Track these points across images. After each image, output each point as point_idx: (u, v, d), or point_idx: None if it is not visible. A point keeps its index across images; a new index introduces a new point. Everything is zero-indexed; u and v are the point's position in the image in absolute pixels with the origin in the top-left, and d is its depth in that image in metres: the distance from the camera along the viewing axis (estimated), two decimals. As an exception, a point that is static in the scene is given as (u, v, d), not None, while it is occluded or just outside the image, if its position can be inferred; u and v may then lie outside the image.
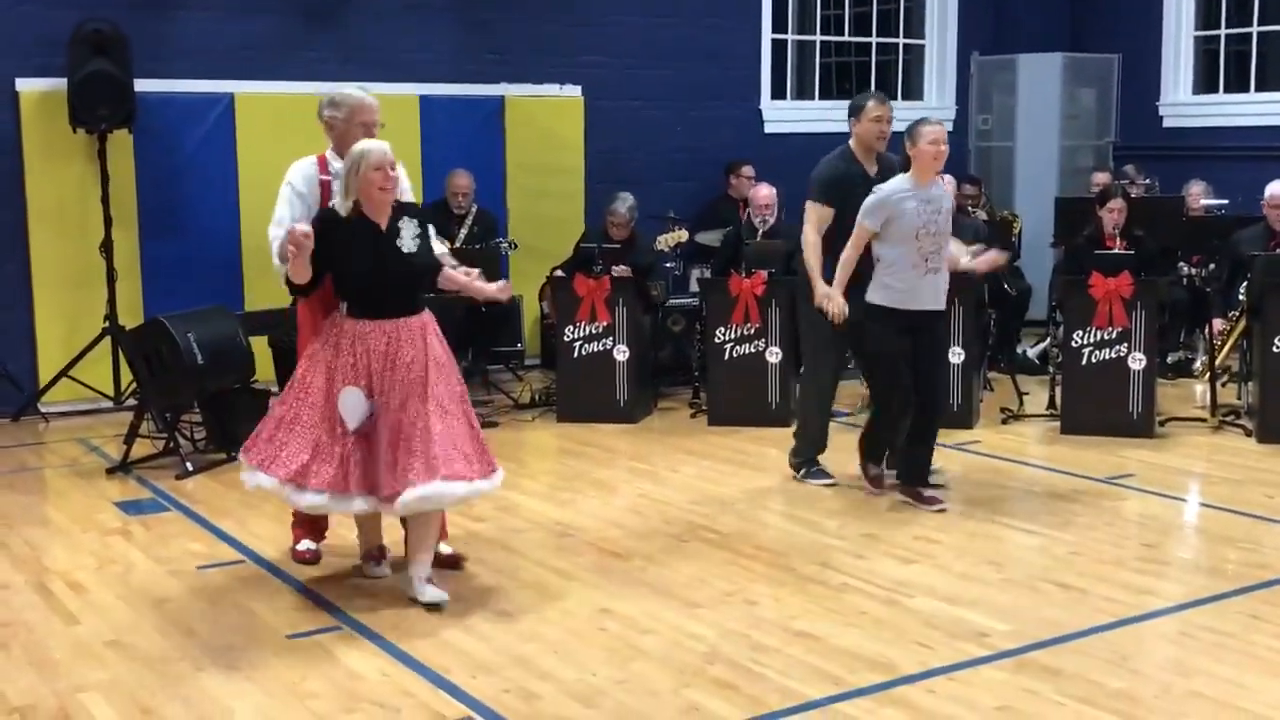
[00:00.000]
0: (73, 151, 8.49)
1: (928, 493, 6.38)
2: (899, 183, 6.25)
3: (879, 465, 6.60)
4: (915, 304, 6.23)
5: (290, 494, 4.96)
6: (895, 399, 6.35)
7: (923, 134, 6.19)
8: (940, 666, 4.44)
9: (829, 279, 6.45)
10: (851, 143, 6.67)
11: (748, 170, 10.20)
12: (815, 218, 6.58)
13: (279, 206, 5.30)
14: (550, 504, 6.55)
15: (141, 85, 8.34)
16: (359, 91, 5.42)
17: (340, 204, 4.99)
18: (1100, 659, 4.49)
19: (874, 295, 6.28)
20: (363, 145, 5.00)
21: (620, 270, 8.39)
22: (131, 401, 8.15)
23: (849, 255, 6.34)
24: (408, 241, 5.01)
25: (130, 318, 8.43)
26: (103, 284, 8.43)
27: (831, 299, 6.37)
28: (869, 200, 6.26)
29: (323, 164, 5.36)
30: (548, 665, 4.48)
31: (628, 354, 8.22)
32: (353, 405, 4.90)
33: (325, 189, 5.28)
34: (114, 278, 8.44)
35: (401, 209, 5.09)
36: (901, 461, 6.50)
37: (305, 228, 4.86)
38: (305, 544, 5.60)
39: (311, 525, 5.59)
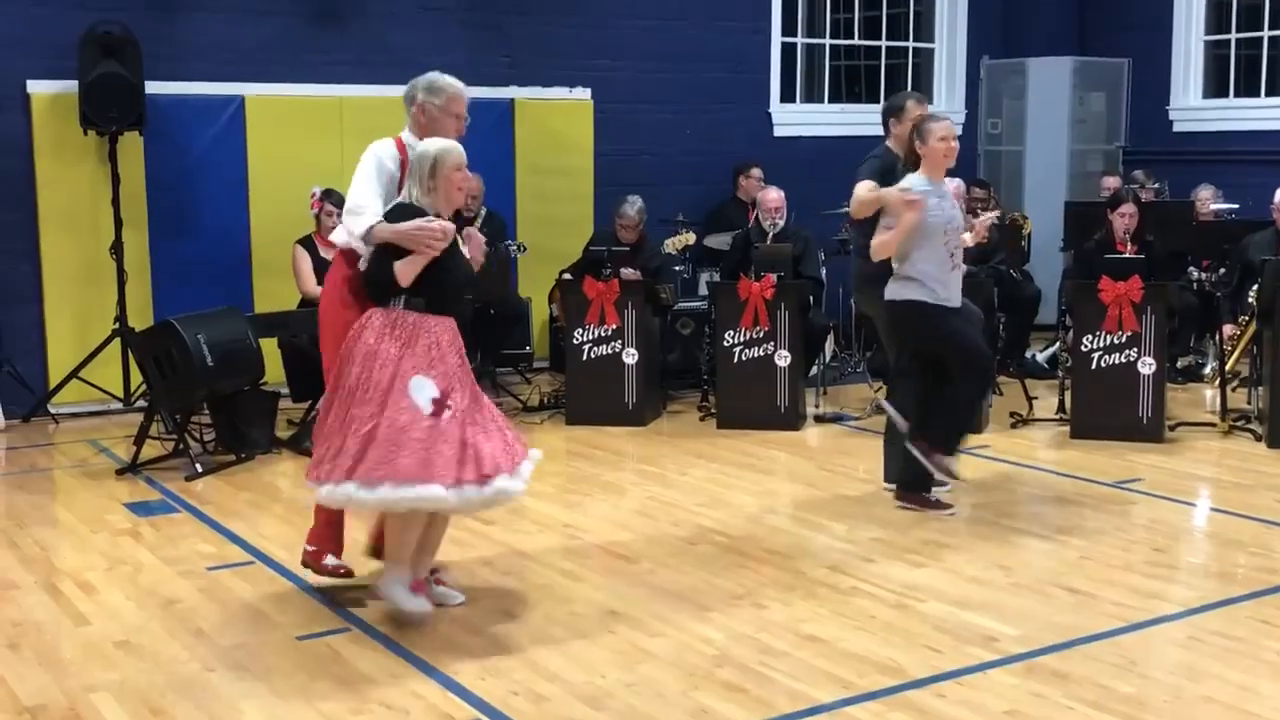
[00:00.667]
0: (83, 153, 8.51)
1: (933, 497, 6.36)
2: (919, 181, 6.12)
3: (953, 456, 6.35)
4: (952, 301, 6.19)
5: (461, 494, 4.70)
6: (982, 362, 6.29)
7: (933, 131, 6.13)
8: (949, 670, 4.44)
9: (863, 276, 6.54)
10: (890, 143, 6.62)
11: (756, 173, 10.21)
12: (867, 186, 6.26)
13: (364, 183, 5.03)
14: (559, 506, 6.55)
15: (152, 87, 8.38)
16: (454, 79, 5.28)
17: (418, 200, 4.88)
18: (1109, 664, 4.49)
19: (914, 294, 6.13)
20: (442, 144, 4.94)
21: (629, 273, 8.40)
22: (141, 403, 8.17)
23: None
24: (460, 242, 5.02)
25: (140, 319, 8.45)
26: (113, 285, 8.45)
27: (904, 193, 6.05)
28: None
29: (401, 147, 5.17)
30: (556, 667, 4.49)
31: (637, 357, 8.22)
32: (420, 389, 4.75)
33: (403, 171, 5.10)
34: (124, 279, 8.47)
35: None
36: (906, 467, 6.42)
37: (451, 226, 4.81)
38: (332, 559, 5.30)
39: (335, 537, 5.30)
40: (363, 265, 4.98)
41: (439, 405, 4.74)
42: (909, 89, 12.01)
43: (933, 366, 6.26)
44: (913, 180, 6.16)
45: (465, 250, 5.03)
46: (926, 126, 6.16)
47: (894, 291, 6.21)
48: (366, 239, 4.88)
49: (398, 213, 4.90)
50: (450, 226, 4.85)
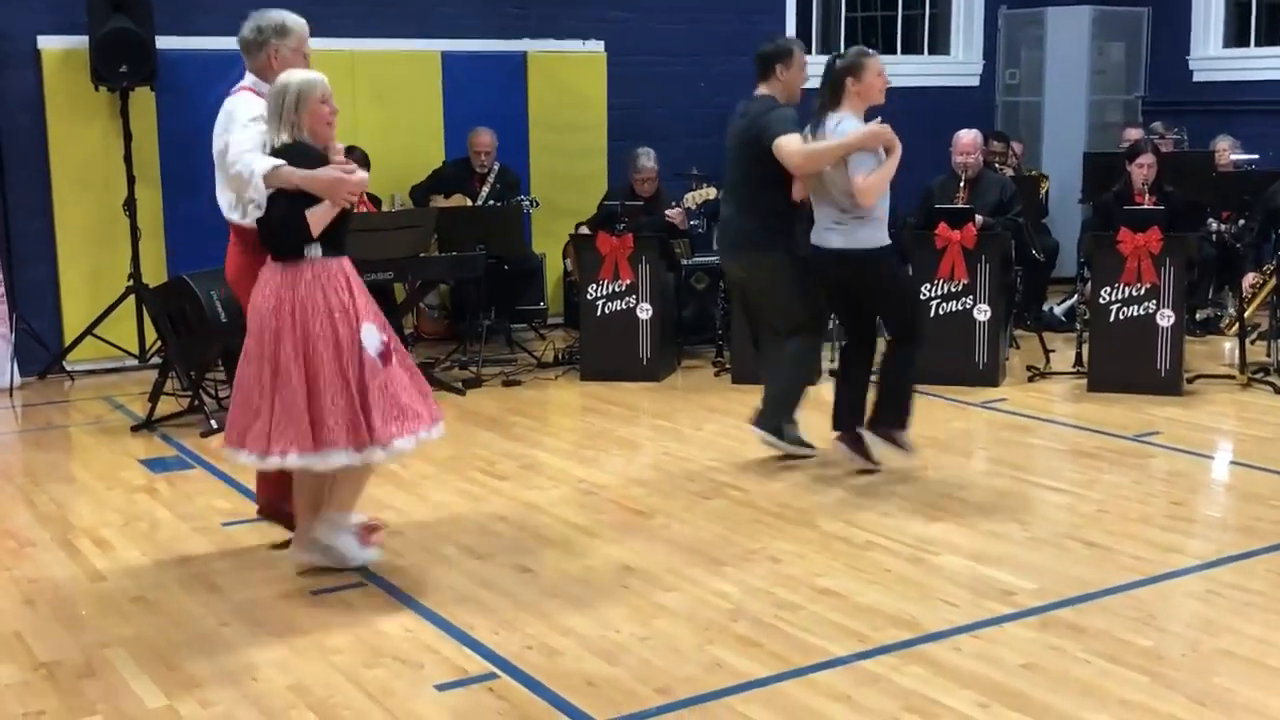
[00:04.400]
0: (95, 110, 8.48)
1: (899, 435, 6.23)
2: (854, 121, 5.83)
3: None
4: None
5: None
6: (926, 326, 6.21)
7: (869, 66, 5.83)
8: (965, 624, 4.42)
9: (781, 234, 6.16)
10: (770, 90, 6.15)
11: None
12: (797, 140, 5.93)
13: (253, 139, 4.70)
14: (573, 461, 6.54)
15: (163, 42, 8.32)
16: (297, 17, 5.09)
17: (275, 138, 4.66)
18: (1127, 617, 4.47)
19: (878, 237, 5.92)
20: (305, 76, 4.70)
21: (674, 213, 8.42)
22: (156, 360, 8.17)
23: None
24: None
25: (154, 276, 8.44)
26: (126, 242, 8.44)
27: (882, 127, 5.81)
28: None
29: (258, 95, 4.95)
30: (570, 622, 4.49)
31: (651, 312, 8.18)
32: (372, 339, 4.68)
33: None
34: (137, 236, 8.46)
35: None
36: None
37: (365, 175, 4.69)
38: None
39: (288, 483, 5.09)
40: (256, 214, 4.67)
41: (386, 353, 4.71)
42: (925, 39, 11.93)
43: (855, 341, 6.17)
44: (846, 120, 5.83)
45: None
46: (862, 62, 5.84)
47: (868, 238, 5.88)
48: (268, 180, 4.56)
49: (295, 155, 4.61)
50: (364, 175, 4.71)
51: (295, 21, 5.08)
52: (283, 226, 4.64)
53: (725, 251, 6.53)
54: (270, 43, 5.01)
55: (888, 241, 6.00)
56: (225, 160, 4.81)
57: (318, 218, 4.62)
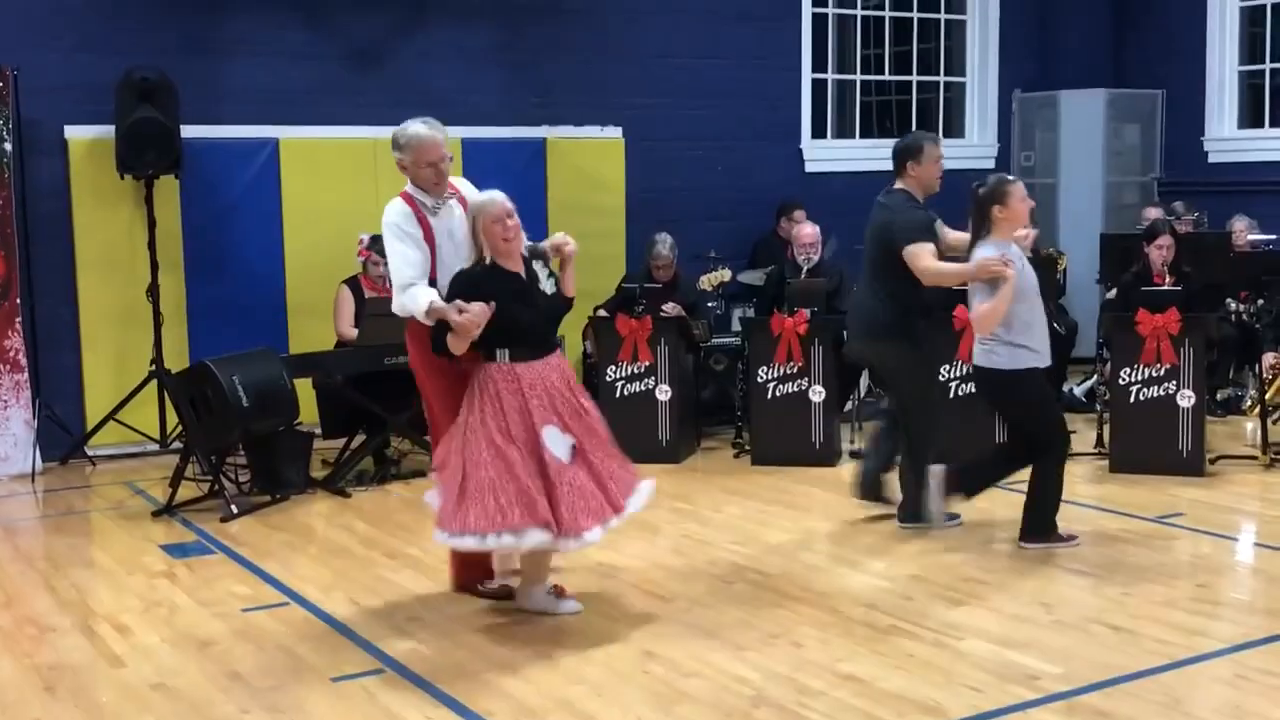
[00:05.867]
0: (120, 197, 8.59)
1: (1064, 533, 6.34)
2: (995, 248, 6.00)
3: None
4: (1046, 359, 6.14)
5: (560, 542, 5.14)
6: (1058, 442, 6.25)
7: (1013, 193, 6.08)
8: (990, 710, 4.37)
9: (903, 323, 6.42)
10: (906, 185, 6.46)
11: (799, 215, 10.11)
12: (929, 252, 6.26)
13: (400, 249, 5.29)
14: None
15: (188, 131, 8.44)
16: (422, 128, 5.42)
17: (469, 258, 5.24)
18: (1153, 702, 4.41)
19: (1019, 362, 6.01)
20: (480, 200, 5.22)
21: (671, 308, 8.38)
22: (177, 444, 8.20)
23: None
24: (545, 283, 5.35)
25: (176, 361, 8.49)
26: (149, 328, 8.51)
27: (1002, 260, 5.95)
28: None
29: (409, 200, 5.43)
30: (592, 708, 4.45)
31: (670, 394, 8.20)
32: (558, 442, 5.13)
33: (424, 223, 5.39)
34: (160, 322, 8.52)
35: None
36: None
37: (484, 307, 5.04)
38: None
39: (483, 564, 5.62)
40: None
41: (574, 452, 5.18)
42: (940, 123, 12.03)
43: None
44: (987, 249, 6.00)
45: (547, 285, 5.35)
46: (1006, 189, 6.05)
47: (1003, 360, 6.04)
48: (428, 315, 5.12)
49: (456, 281, 5.20)
50: (482, 307, 5.02)
51: (409, 137, 5.41)
52: (438, 347, 5.19)
53: (853, 335, 6.82)
54: (394, 154, 5.43)
55: (1026, 365, 6.06)
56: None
57: (453, 343, 5.11)
